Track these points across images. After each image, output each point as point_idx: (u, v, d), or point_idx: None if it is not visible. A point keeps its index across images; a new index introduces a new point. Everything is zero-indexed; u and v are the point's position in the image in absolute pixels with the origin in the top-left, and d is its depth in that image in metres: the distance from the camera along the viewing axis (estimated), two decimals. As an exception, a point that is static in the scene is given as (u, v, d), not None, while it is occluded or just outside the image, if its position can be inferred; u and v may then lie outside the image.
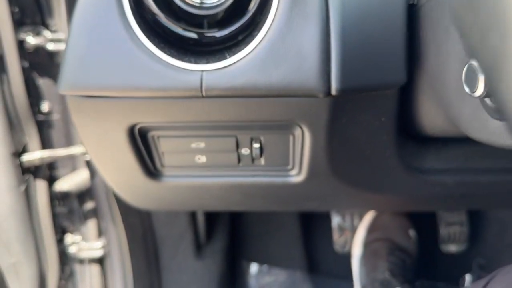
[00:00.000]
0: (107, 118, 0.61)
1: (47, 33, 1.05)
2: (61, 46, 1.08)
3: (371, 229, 1.47)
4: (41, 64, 1.09)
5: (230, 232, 1.49)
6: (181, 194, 0.78)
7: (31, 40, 1.03)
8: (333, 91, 0.55)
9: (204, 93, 0.56)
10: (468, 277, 1.48)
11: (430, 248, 1.57)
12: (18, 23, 1.01)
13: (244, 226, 1.58)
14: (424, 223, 1.57)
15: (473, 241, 1.58)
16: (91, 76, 0.56)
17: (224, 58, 0.56)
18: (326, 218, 1.61)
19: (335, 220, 1.57)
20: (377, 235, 1.44)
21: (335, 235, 1.57)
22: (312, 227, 1.63)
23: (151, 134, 0.66)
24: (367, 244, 1.45)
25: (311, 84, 0.54)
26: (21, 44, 1.02)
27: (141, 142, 0.66)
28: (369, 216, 1.50)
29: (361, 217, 1.55)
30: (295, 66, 0.54)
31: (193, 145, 0.68)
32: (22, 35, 1.02)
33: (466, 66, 0.41)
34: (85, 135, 0.65)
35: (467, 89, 0.42)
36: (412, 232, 1.45)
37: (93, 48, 0.56)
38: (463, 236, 1.56)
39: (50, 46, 1.05)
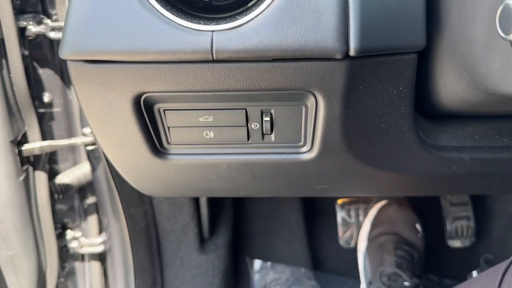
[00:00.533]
0: (112, 86, 0.58)
1: (48, 22, 1.03)
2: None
3: (376, 223, 1.44)
4: (42, 54, 1.08)
5: (233, 227, 1.46)
6: (188, 175, 0.75)
7: (32, 27, 1.01)
8: (351, 52, 0.53)
9: (214, 56, 0.53)
10: (475, 273, 1.45)
11: (436, 243, 1.54)
12: (19, 11, 0.99)
13: (247, 222, 1.56)
14: (430, 218, 1.54)
15: (480, 236, 1.56)
16: (94, 40, 0.53)
17: (236, 19, 0.53)
18: (331, 214, 1.58)
19: (340, 215, 1.54)
20: (383, 229, 1.41)
21: (340, 231, 1.54)
22: (316, 224, 1.60)
23: (157, 106, 0.63)
24: (373, 239, 1.42)
25: (328, 43, 0.52)
26: (22, 31, 1.00)
27: (147, 115, 0.64)
28: (374, 210, 1.48)
29: (366, 212, 1.52)
30: (311, 24, 0.52)
31: (201, 119, 0.65)
32: (22, 23, 1.00)
33: (501, 7, 0.39)
34: (88, 106, 0.62)
35: (501, 33, 0.40)
36: (419, 226, 1.42)
37: (97, 10, 0.53)
38: (470, 231, 1.54)
39: (52, 34, 1.03)
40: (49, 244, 1.14)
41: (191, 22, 0.53)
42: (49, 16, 1.05)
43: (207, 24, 0.53)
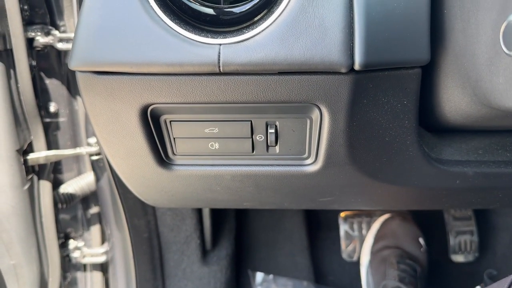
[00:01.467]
0: (119, 97, 0.59)
1: (56, 33, 1.04)
2: (70, 46, 1.07)
3: (379, 237, 1.44)
4: (49, 65, 1.09)
5: (236, 239, 1.46)
6: (192, 185, 0.75)
7: (40, 38, 1.02)
8: (356, 66, 0.53)
9: (221, 69, 0.54)
10: (479, 289, 1.44)
11: (440, 258, 1.54)
12: (28, 22, 1.01)
13: (250, 234, 1.55)
14: (433, 232, 1.54)
15: (483, 251, 1.55)
16: (103, 51, 0.54)
17: (242, 33, 0.54)
18: (334, 227, 1.58)
19: (343, 228, 1.54)
20: (386, 243, 1.41)
21: (343, 244, 1.54)
22: (319, 237, 1.60)
23: (163, 118, 0.64)
24: (376, 252, 1.41)
25: (333, 58, 0.53)
26: (30, 42, 1.02)
27: (153, 126, 0.64)
28: (377, 224, 1.47)
29: (369, 225, 1.52)
30: (317, 39, 0.52)
31: (207, 131, 0.66)
32: (31, 33, 1.01)
33: (505, 23, 0.39)
34: (95, 117, 0.63)
35: (505, 49, 0.40)
36: (422, 241, 1.42)
37: (106, 22, 0.54)
38: (473, 246, 1.53)
39: (59, 45, 1.04)
40: (52, 254, 1.14)
41: (198, 35, 0.54)
42: (57, 27, 1.06)
43: (214, 38, 0.54)
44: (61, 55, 1.10)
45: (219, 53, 0.53)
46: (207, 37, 0.54)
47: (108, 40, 0.54)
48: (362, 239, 1.52)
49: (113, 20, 0.54)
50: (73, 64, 0.56)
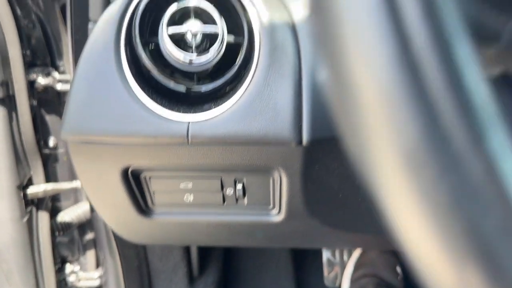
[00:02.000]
0: (103, 161, 0.68)
1: (55, 74, 1.12)
2: (68, 86, 1.14)
3: (358, 265, 1.51)
4: (49, 102, 1.16)
5: (223, 266, 1.53)
6: (171, 231, 0.84)
7: (41, 80, 1.10)
8: (304, 142, 0.62)
9: (190, 141, 0.63)
10: (457, 316, 1.50)
11: (418, 285, 1.59)
12: (29, 65, 1.08)
13: (237, 260, 1.62)
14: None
15: (461, 279, 1.60)
16: (90, 124, 0.63)
17: (209, 109, 0.63)
18: (318, 253, 1.65)
19: (325, 255, 1.61)
20: (364, 271, 1.48)
21: (325, 271, 1.60)
22: (304, 263, 1.67)
23: (143, 175, 0.73)
24: (355, 280, 1.48)
25: (285, 135, 0.61)
26: (31, 84, 1.09)
27: (133, 182, 0.73)
28: (357, 252, 1.54)
29: (350, 253, 1.59)
30: (271, 118, 0.61)
31: (182, 185, 0.74)
32: (33, 76, 1.09)
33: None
34: (83, 176, 0.72)
35: None
36: (399, 269, 1.49)
37: (93, 99, 0.63)
38: (451, 274, 1.59)
39: (59, 86, 1.11)
40: (49, 279, 1.21)
41: (171, 110, 0.63)
42: (56, 67, 1.13)
43: (186, 112, 0.63)
44: (60, 93, 1.18)
45: (188, 128, 0.62)
46: (179, 111, 0.63)
47: (93, 115, 0.63)
48: (343, 266, 1.59)
49: (98, 97, 0.63)
50: (64, 135, 0.64)
